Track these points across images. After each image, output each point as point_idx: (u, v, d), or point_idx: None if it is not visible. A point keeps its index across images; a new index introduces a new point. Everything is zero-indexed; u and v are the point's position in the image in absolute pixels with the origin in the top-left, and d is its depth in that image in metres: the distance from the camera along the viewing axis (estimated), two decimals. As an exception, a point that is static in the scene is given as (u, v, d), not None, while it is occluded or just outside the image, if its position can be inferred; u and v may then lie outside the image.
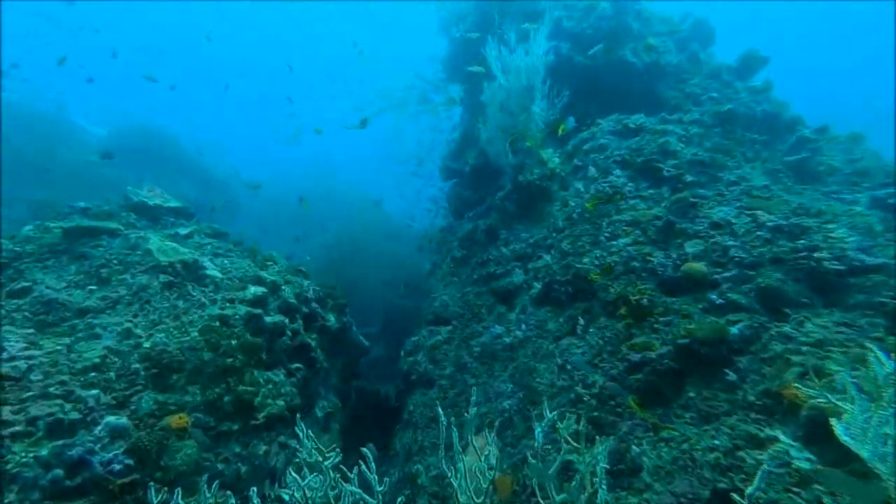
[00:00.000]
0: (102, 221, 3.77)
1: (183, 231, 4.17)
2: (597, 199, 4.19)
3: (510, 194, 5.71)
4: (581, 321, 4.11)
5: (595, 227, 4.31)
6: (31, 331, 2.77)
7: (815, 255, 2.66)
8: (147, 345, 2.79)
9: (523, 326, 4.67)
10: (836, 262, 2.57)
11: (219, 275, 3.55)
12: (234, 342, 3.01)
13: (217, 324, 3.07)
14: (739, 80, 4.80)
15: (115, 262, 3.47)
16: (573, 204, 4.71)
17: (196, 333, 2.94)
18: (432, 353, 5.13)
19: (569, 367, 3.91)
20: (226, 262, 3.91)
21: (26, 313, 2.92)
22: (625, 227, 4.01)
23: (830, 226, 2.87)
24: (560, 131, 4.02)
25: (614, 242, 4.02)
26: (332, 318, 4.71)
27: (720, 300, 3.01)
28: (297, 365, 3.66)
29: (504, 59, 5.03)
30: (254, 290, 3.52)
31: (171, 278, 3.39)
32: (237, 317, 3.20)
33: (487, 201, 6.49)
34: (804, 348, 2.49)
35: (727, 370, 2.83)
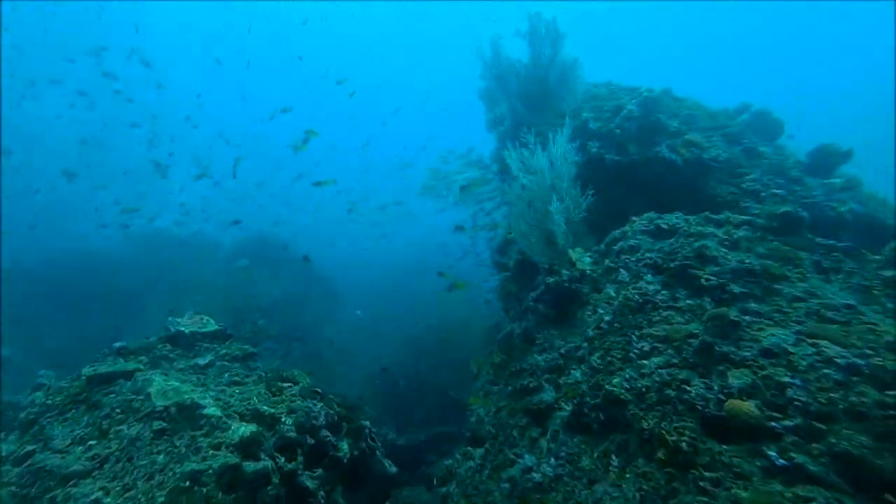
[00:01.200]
0: (123, 364, 4.14)
1: (203, 360, 4.57)
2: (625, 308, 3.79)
3: (542, 296, 5.54)
4: (615, 462, 3.50)
5: (626, 341, 3.83)
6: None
7: (912, 415, 1.95)
8: (110, 518, 2.62)
9: (552, 461, 4.22)
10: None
11: (217, 413, 3.51)
12: (199, 508, 2.68)
13: (187, 483, 2.87)
14: (813, 177, 4.26)
15: (118, 410, 3.54)
16: (601, 311, 4.32)
17: (163, 500, 2.79)
18: (463, 485, 4.90)
19: (600, 527, 3.26)
20: (236, 391, 4.08)
21: (13, 487, 3.05)
22: (657, 344, 3.49)
23: (938, 372, 2.12)
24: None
25: (646, 362, 3.48)
26: (344, 447, 4.48)
27: (782, 461, 2.30)
28: (290, 516, 3.30)
29: (526, 161, 5.36)
30: (242, 430, 3.36)
31: (164, 424, 3.38)
32: (210, 472, 2.98)
33: (524, 302, 6.33)
34: (914, 570, 1.69)
35: (806, 582, 2.03)
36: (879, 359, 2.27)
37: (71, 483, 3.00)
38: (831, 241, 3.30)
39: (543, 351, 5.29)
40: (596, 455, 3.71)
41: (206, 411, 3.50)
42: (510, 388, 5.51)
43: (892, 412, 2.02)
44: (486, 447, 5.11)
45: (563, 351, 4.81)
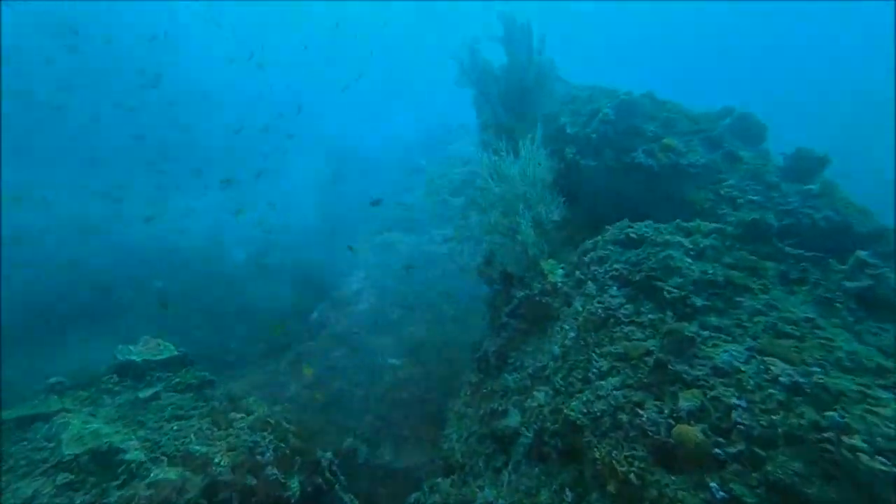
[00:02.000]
0: (47, 405, 4.03)
1: (147, 393, 4.52)
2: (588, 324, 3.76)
3: (515, 310, 5.52)
4: (568, 497, 3.46)
5: (587, 359, 3.79)
6: None
7: (847, 441, 1.89)
8: None
9: (511, 496, 4.19)
10: (881, 460, 1.78)
11: (139, 457, 3.42)
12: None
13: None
14: (789, 183, 4.24)
15: (22, 462, 3.31)
16: (567, 327, 4.28)
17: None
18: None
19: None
20: (174, 427, 4.04)
21: None
22: (616, 363, 3.44)
23: (883, 395, 2.06)
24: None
25: (603, 382, 3.43)
26: (294, 485, 4.40)
27: (722, 493, 2.24)
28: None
29: (499, 168, 5.42)
30: (164, 476, 3.22)
31: (72, 477, 3.18)
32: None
33: (501, 317, 6.30)
34: None
35: None
36: (821, 377, 2.21)
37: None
38: (799, 251, 3.26)
39: (514, 370, 5.26)
40: (554, 488, 3.65)
41: (127, 456, 3.43)
42: (482, 412, 5.48)
43: (825, 435, 1.96)
44: (452, 478, 5.08)
45: (531, 371, 4.77)
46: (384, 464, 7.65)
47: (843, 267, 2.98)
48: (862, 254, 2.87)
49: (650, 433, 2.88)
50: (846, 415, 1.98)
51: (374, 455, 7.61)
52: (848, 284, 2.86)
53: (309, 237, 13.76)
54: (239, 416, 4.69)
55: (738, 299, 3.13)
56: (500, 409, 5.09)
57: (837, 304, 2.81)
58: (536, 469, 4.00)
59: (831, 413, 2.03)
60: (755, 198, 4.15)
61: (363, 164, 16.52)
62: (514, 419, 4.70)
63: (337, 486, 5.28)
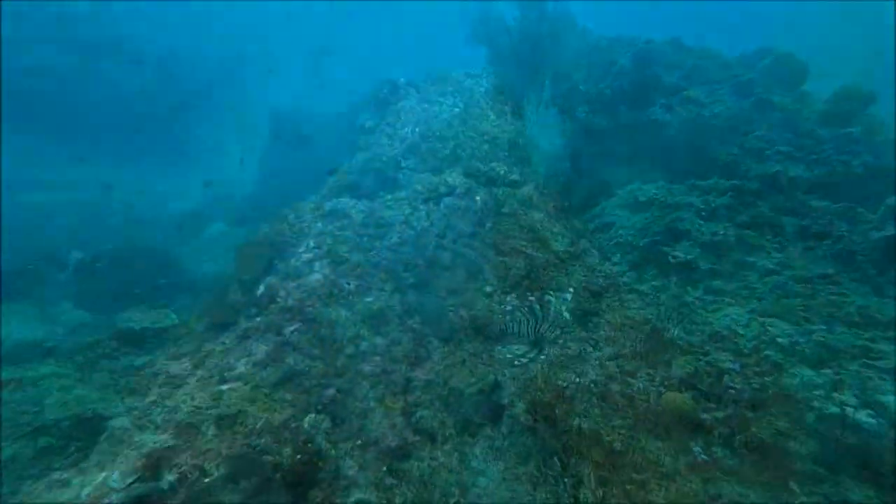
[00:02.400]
0: (38, 369, 4.25)
1: (142, 360, 4.72)
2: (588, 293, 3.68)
3: (521, 280, 5.46)
4: (557, 465, 3.47)
5: (583, 330, 3.71)
6: None
7: (837, 395, 1.78)
8: None
9: (500, 465, 4.26)
10: (870, 417, 1.67)
11: (125, 424, 3.47)
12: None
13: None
14: (830, 126, 3.88)
15: (6, 424, 3.46)
16: (567, 297, 4.20)
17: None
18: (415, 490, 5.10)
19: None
20: (163, 393, 4.07)
21: None
22: (612, 332, 3.36)
23: (887, 348, 1.91)
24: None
25: (597, 353, 3.37)
26: (286, 452, 4.69)
27: (704, 455, 2.18)
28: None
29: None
30: (148, 443, 3.11)
31: (52, 441, 3.31)
32: (77, 505, 2.65)
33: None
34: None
35: None
36: (823, 335, 2.07)
37: None
38: (825, 203, 3.02)
39: (510, 342, 5.26)
40: (542, 458, 3.68)
41: (112, 423, 3.52)
42: (472, 387, 5.57)
43: (816, 393, 1.85)
44: (443, 448, 5.23)
45: (527, 342, 4.75)
46: (352, 435, 7.73)
47: (873, 216, 2.74)
48: (893, 200, 2.62)
49: (640, 401, 2.82)
50: (841, 371, 1.85)
51: (341, 429, 7.75)
52: (876, 234, 2.63)
53: (252, 206, 13.63)
54: (232, 385, 4.93)
55: (750, 259, 2.97)
56: (496, 379, 5.14)
57: (860, 257, 2.60)
58: (526, 439, 4.04)
59: (828, 370, 1.91)
60: (784, 148, 3.85)
61: (308, 127, 16.17)
62: (506, 391, 4.72)
63: (331, 452, 5.49)
